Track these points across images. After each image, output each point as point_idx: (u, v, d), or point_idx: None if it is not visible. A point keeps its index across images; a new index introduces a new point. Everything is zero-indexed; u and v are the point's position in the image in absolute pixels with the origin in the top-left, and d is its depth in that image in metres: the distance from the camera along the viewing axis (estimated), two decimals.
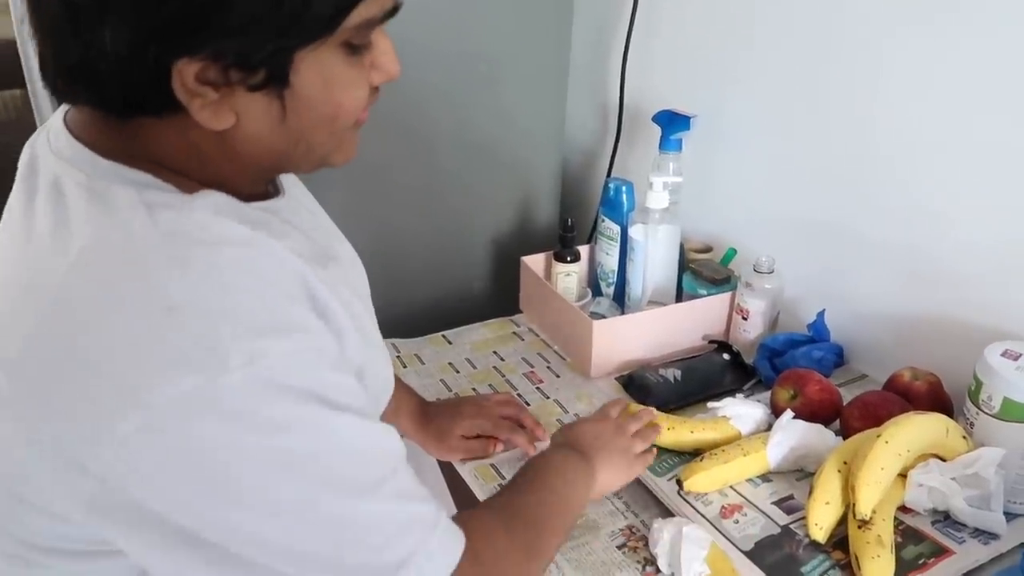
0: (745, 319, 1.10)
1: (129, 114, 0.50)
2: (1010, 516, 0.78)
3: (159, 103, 0.48)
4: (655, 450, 0.86)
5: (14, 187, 0.54)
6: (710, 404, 0.93)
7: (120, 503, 0.45)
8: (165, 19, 0.44)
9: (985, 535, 0.77)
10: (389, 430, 0.54)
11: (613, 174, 1.39)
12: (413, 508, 0.53)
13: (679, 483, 0.82)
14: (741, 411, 0.90)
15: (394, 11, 0.53)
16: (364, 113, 0.57)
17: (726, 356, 1.07)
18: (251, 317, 0.46)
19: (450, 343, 1.18)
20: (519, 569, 0.62)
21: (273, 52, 0.48)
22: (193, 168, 0.53)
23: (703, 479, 0.82)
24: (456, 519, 0.57)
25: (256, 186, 0.59)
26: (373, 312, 0.68)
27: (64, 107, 0.56)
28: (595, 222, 1.27)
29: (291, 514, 0.47)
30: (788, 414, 0.86)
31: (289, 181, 0.67)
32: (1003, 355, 0.79)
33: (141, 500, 0.45)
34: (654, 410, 0.90)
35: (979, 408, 0.79)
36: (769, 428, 0.87)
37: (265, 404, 0.45)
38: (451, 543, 0.54)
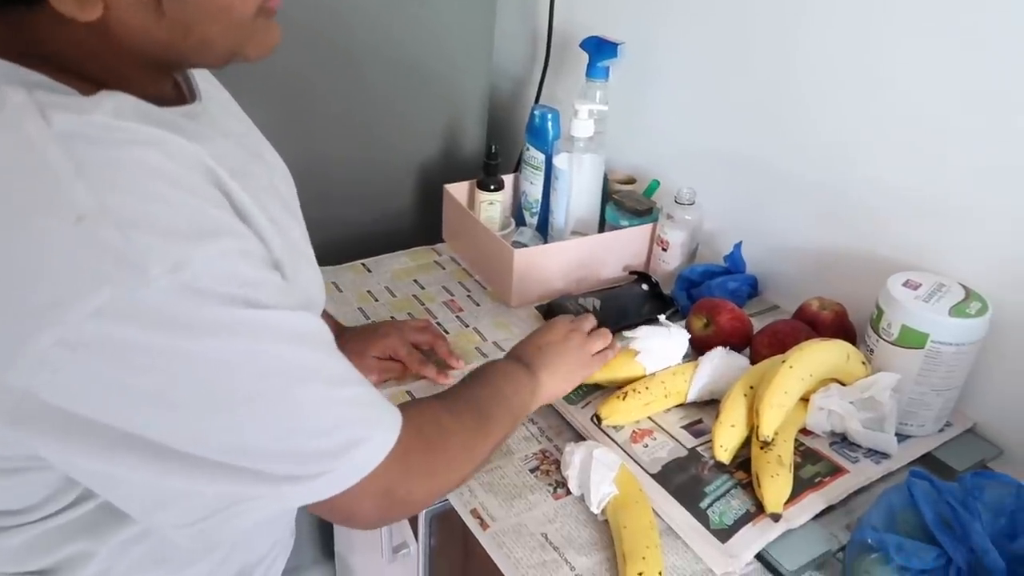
0: (665, 250, 1.10)
1: None
2: (901, 437, 0.82)
3: None
4: (617, 347, 0.87)
5: None
6: (625, 333, 0.92)
7: (46, 413, 0.44)
8: None
9: (877, 455, 0.81)
10: (316, 319, 0.53)
11: (541, 102, 1.37)
12: (351, 390, 0.54)
13: (597, 419, 0.83)
14: (652, 345, 0.88)
15: None
16: (271, 1, 0.52)
17: (645, 287, 1.09)
18: (168, 223, 0.44)
19: (369, 271, 1.15)
20: (464, 445, 0.64)
21: None
22: (86, 67, 0.48)
23: (621, 417, 0.83)
24: (402, 406, 0.59)
25: (161, 86, 0.55)
26: (304, 227, 0.66)
27: None
28: (522, 151, 1.25)
29: (233, 411, 0.47)
30: (719, 351, 0.86)
31: (210, 85, 0.63)
32: (904, 285, 0.82)
33: (70, 409, 0.44)
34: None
35: (879, 335, 0.82)
36: (683, 360, 0.89)
37: (192, 310, 0.44)
38: (391, 418, 0.56)
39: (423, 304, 1.08)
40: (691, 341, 0.92)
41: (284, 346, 0.49)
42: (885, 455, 0.80)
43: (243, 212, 0.51)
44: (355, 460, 0.52)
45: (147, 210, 0.43)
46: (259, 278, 0.49)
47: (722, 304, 0.95)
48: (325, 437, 0.51)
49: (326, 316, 0.91)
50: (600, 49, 1.15)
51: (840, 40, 0.94)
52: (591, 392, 0.88)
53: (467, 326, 1.04)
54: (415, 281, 1.13)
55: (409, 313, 1.06)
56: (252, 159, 0.59)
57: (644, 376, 0.86)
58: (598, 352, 0.85)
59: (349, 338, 0.91)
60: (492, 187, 1.18)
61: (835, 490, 0.76)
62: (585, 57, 1.17)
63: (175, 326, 0.44)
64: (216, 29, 0.49)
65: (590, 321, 0.88)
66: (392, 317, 1.04)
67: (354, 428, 0.52)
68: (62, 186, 0.42)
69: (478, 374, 0.75)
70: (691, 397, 0.86)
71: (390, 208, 1.33)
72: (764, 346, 0.90)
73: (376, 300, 1.08)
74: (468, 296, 1.11)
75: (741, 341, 0.93)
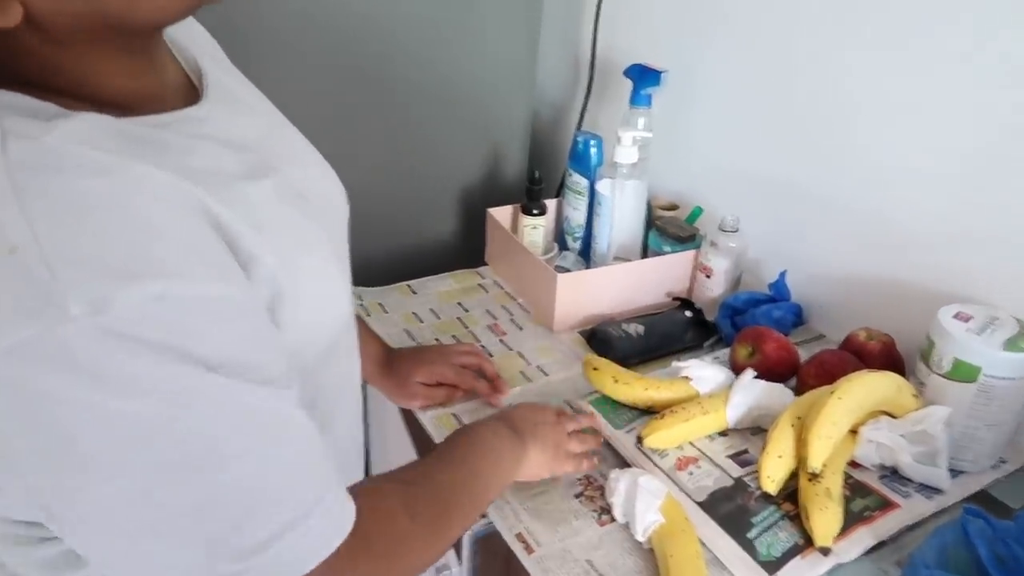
0: (708, 277, 1.10)
1: None
2: (954, 472, 0.81)
3: None
4: (595, 460, 0.83)
5: None
6: (675, 363, 0.93)
7: None
8: None
9: (930, 490, 0.79)
10: (276, 394, 0.47)
11: (583, 128, 1.38)
12: (286, 482, 0.47)
13: (639, 439, 0.83)
14: (704, 374, 0.90)
15: None
16: None
17: (688, 313, 1.08)
18: (100, 259, 0.40)
19: (415, 293, 1.17)
20: (417, 556, 0.57)
21: None
22: (49, 76, 0.46)
23: (663, 436, 0.83)
24: (360, 491, 0.53)
25: (141, 75, 0.51)
26: (342, 229, 0.64)
27: None
28: (563, 176, 1.26)
29: (139, 482, 0.42)
30: (749, 373, 0.87)
31: (230, 78, 0.60)
32: (955, 317, 0.81)
33: None
34: (598, 416, 0.88)
35: (930, 368, 0.81)
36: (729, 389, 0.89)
37: (110, 358, 0.40)
38: (332, 525, 0.49)
39: (467, 327, 1.09)
40: (736, 370, 0.92)
41: (210, 418, 0.43)
42: (937, 490, 0.79)
43: (229, 233, 0.48)
44: (279, 562, 0.46)
45: (79, 244, 0.40)
46: (204, 329, 0.43)
47: (767, 333, 0.94)
48: (240, 530, 0.45)
49: (373, 337, 0.93)
50: (643, 77, 1.16)
51: (885, 66, 0.94)
52: (636, 417, 0.88)
53: (511, 350, 1.05)
54: (459, 304, 1.15)
55: (453, 336, 1.07)
56: (265, 164, 0.55)
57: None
58: (574, 455, 0.81)
59: (395, 362, 0.92)
60: (535, 211, 1.19)
61: (886, 525, 0.75)
62: (627, 82, 1.18)
63: (89, 373, 0.40)
64: None
65: (576, 422, 0.84)
66: (437, 339, 1.06)
67: (280, 526, 0.46)
68: (2, 216, 0.40)
69: (455, 448, 0.70)
70: (731, 420, 0.85)
71: (435, 231, 1.35)
72: (811, 376, 0.89)
73: (421, 322, 1.10)
74: (511, 320, 1.12)
75: (787, 371, 0.93)
